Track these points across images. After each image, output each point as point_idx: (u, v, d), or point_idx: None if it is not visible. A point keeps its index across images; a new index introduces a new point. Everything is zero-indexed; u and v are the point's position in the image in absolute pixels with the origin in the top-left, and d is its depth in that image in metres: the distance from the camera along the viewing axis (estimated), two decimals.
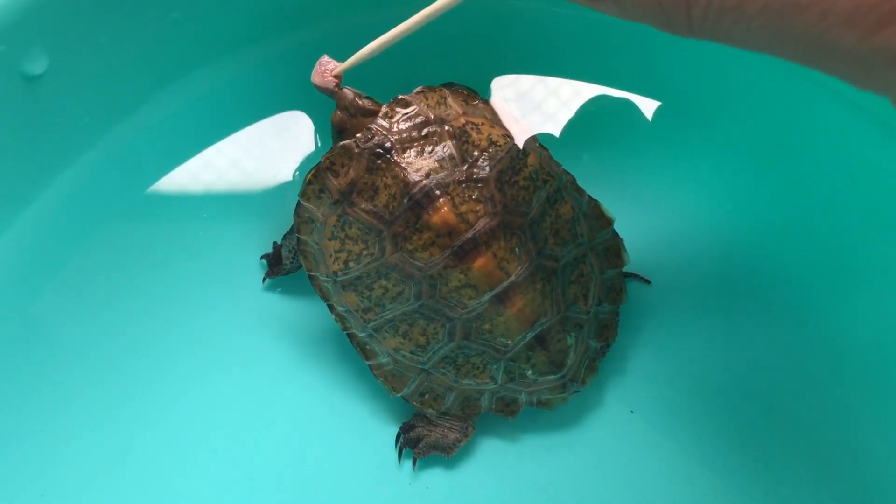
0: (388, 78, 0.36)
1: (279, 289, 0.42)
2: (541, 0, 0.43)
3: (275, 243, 0.41)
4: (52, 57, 0.37)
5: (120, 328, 0.40)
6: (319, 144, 0.44)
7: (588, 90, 0.44)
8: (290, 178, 0.43)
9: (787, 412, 0.39)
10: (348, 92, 0.34)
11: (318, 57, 0.35)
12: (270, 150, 0.43)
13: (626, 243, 0.38)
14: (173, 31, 0.41)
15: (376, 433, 0.39)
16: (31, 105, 0.38)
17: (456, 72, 0.37)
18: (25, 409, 0.38)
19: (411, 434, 0.38)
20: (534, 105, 0.44)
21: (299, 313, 0.41)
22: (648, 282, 0.41)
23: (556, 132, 0.43)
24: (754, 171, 0.43)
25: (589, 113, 0.43)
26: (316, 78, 0.34)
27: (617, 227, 0.38)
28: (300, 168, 0.43)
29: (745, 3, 0.22)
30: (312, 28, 0.43)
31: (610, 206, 0.38)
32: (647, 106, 0.44)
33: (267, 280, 0.41)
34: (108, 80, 0.40)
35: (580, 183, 0.37)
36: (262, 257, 0.41)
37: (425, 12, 0.32)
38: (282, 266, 0.40)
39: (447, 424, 0.38)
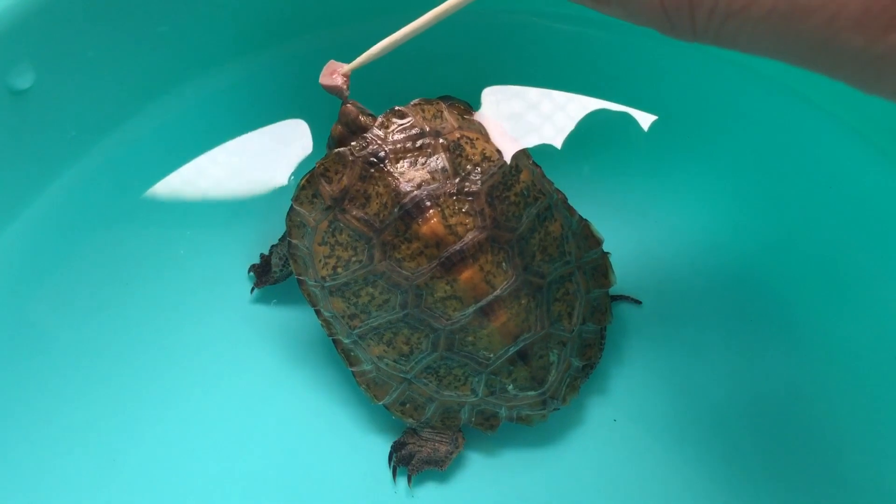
0: (385, 89, 0.36)
1: (268, 298, 0.42)
2: (538, 14, 0.44)
3: (262, 255, 0.41)
4: (39, 71, 0.37)
5: (108, 338, 0.40)
6: (312, 154, 0.44)
7: (584, 103, 0.44)
8: (281, 185, 0.43)
9: (771, 424, 0.39)
10: (352, 108, 0.34)
11: (309, 67, 0.35)
12: (260, 161, 0.43)
13: (617, 257, 0.39)
14: (160, 45, 0.41)
15: (366, 443, 0.39)
16: (18, 119, 0.38)
17: (454, 85, 0.37)
18: (14, 419, 0.38)
19: (403, 452, 0.38)
20: (530, 118, 0.44)
21: (288, 322, 0.41)
22: (639, 302, 0.41)
23: (557, 144, 0.44)
24: (746, 187, 0.43)
25: (586, 126, 0.44)
26: (324, 79, 0.34)
27: (609, 239, 0.38)
28: (293, 175, 0.43)
29: (752, 6, 0.21)
30: (302, 40, 0.44)
31: (603, 220, 0.38)
32: (644, 120, 0.44)
33: (255, 291, 0.42)
34: (96, 93, 0.40)
35: (578, 194, 0.38)
36: (249, 270, 0.42)
37: (434, 13, 0.32)
38: (270, 274, 0.41)
39: (437, 438, 0.38)
